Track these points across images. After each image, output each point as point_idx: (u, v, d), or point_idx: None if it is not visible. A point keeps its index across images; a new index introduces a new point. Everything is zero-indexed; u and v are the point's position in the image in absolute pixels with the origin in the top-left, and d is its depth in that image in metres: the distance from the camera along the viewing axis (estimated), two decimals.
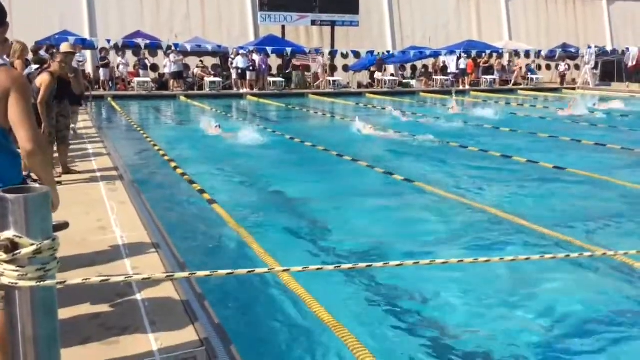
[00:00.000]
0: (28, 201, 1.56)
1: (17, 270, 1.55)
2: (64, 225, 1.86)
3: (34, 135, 2.67)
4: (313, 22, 28.92)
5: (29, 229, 1.56)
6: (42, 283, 1.55)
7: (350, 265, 1.95)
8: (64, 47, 8.25)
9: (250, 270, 1.78)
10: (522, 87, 30.08)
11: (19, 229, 1.55)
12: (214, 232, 6.47)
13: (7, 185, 2.48)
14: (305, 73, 27.46)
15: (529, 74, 31.35)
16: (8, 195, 1.56)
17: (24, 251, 1.55)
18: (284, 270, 1.77)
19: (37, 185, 1.70)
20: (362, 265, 1.87)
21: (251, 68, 24.88)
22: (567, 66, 31.97)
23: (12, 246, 1.54)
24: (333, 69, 28.61)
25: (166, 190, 8.50)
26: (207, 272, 1.75)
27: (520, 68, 30.77)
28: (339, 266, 1.88)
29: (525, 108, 20.65)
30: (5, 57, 2.86)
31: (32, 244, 1.55)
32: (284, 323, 4.40)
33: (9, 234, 1.55)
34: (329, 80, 27.01)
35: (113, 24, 27.23)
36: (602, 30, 37.99)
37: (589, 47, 30.63)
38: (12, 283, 1.55)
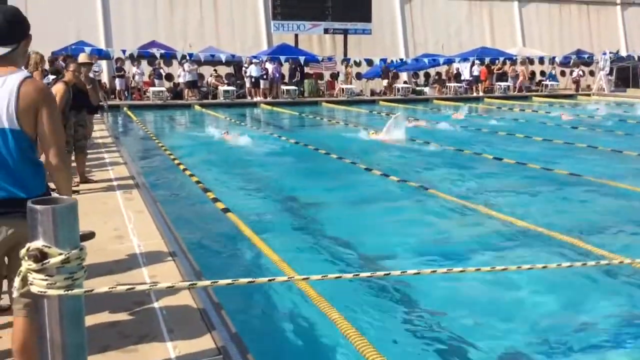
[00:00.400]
0: (56, 212, 1.60)
1: (46, 279, 1.59)
2: (90, 235, 1.90)
3: (61, 151, 2.79)
4: (326, 31, 29.05)
5: (57, 239, 1.61)
6: (70, 292, 1.59)
7: (368, 274, 1.97)
8: (81, 57, 8.41)
9: (270, 278, 1.81)
10: (536, 93, 29.93)
11: (47, 239, 1.60)
12: (229, 241, 6.50)
13: (31, 195, 2.55)
14: (318, 81, 27.57)
15: (549, 79, 31.18)
16: (37, 206, 1.60)
17: (52, 260, 1.59)
18: (304, 279, 1.80)
19: (65, 197, 1.74)
20: (380, 273, 1.89)
21: (264, 77, 25.03)
22: (581, 72, 31.78)
23: (41, 256, 1.59)
24: (346, 76, 28.67)
25: (182, 199, 8.56)
26: (229, 281, 1.78)
27: (525, 73, 30.53)
28: (358, 274, 1.90)
29: (540, 114, 20.55)
30: (23, 68, 2.94)
31: (61, 254, 1.59)
32: (300, 331, 4.41)
33: (39, 243, 1.60)
34: (342, 88, 27.09)
35: (128, 34, 27.54)
36: (617, 35, 37.75)
37: (604, 53, 30.43)
38: (41, 292, 1.60)
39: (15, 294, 1.70)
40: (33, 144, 2.74)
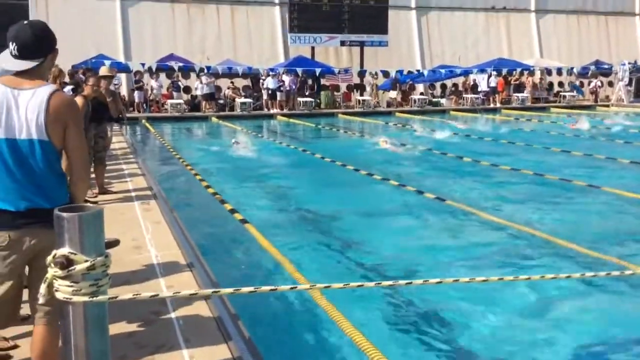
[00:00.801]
0: (83, 220, 1.63)
1: (71, 286, 1.61)
2: (115, 243, 1.93)
3: (85, 164, 2.89)
4: (342, 43, 29.17)
5: (83, 246, 1.63)
6: (94, 298, 1.60)
7: (390, 282, 1.97)
8: (103, 70, 8.54)
9: (292, 286, 1.81)
10: (554, 104, 29.73)
11: (73, 246, 1.62)
12: (247, 252, 6.52)
13: (55, 205, 2.59)
14: (335, 93, 27.66)
15: (574, 91, 30.96)
16: (64, 214, 1.63)
17: (78, 267, 1.61)
18: (325, 287, 1.80)
19: (91, 205, 1.77)
20: (402, 282, 1.88)
21: (281, 88, 25.18)
22: (600, 83, 31.52)
23: (67, 262, 1.61)
24: (362, 88, 28.75)
25: (199, 210, 8.61)
26: (251, 288, 1.79)
27: (532, 83, 30.33)
28: (380, 283, 1.90)
29: (558, 125, 20.40)
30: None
31: (86, 261, 1.62)
32: (316, 342, 4.40)
33: (65, 250, 1.62)
34: (358, 100, 27.13)
35: (147, 48, 27.91)
36: (635, 46, 37.42)
37: (623, 64, 30.18)
38: (67, 298, 1.62)
39: (41, 300, 1.72)
40: (59, 155, 2.80)
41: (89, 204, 1.86)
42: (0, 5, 25.84)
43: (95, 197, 7.92)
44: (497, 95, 28.98)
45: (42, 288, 1.67)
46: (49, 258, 1.65)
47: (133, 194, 8.23)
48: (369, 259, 6.30)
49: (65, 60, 14.67)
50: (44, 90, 2.70)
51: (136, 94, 24.32)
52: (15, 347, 3.49)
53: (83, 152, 2.85)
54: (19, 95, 2.68)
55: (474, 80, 29.83)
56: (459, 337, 4.45)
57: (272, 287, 1.77)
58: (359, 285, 1.79)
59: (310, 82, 27.70)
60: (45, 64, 2.80)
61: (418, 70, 30.04)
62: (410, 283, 1.91)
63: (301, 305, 4.95)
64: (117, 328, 3.73)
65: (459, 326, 4.62)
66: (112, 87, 9.17)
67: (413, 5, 33.31)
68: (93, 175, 8.19)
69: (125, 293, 4.14)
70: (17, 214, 2.70)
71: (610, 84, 32.68)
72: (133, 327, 3.81)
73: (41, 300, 1.71)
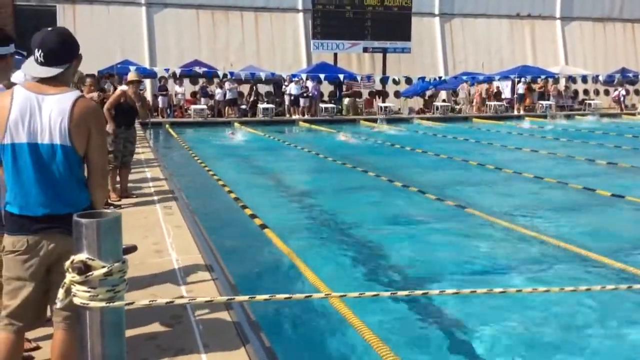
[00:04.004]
0: (101, 225, 1.65)
1: (88, 291, 1.63)
2: (132, 249, 1.95)
3: (106, 170, 2.95)
4: (365, 50, 29.16)
5: (100, 251, 1.65)
6: (111, 304, 1.62)
7: (406, 292, 1.96)
8: (130, 75, 8.68)
9: (307, 295, 1.81)
10: (579, 112, 29.34)
11: (91, 252, 1.64)
12: (266, 257, 6.54)
13: (75, 210, 2.62)
14: (357, 99, 27.65)
15: (622, 100, 30.58)
16: (82, 220, 1.65)
17: (95, 273, 1.63)
18: (340, 296, 1.80)
19: (109, 211, 1.79)
20: (419, 292, 1.87)
21: (304, 94, 25.25)
22: (626, 91, 31.03)
23: (85, 268, 1.63)
24: (385, 94, 28.69)
25: (220, 214, 8.67)
26: (266, 296, 1.79)
27: (559, 90, 30.00)
28: (395, 293, 1.89)
29: (582, 133, 20.12)
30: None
31: (104, 266, 1.64)
32: (334, 349, 4.39)
33: (83, 256, 1.64)
34: (380, 107, 27.09)
35: (172, 53, 28.25)
36: None
37: None
38: (84, 303, 1.64)
39: (58, 305, 1.75)
40: (81, 161, 2.83)
41: (107, 210, 1.88)
42: (28, 11, 26.41)
43: (119, 200, 8.02)
44: (520, 103, 28.70)
45: (60, 293, 1.70)
46: (67, 263, 1.67)
47: (155, 197, 8.32)
48: (388, 267, 6.28)
49: (91, 65, 14.91)
50: (69, 96, 2.74)
51: (160, 99, 24.60)
52: (37, 348, 3.55)
53: (103, 159, 2.89)
54: (43, 101, 2.72)
55: (498, 88, 29.58)
56: (475, 345, 4.40)
57: (287, 295, 1.77)
58: (374, 295, 1.78)
59: (332, 88, 27.73)
60: (70, 69, 2.85)
61: (440, 77, 29.88)
62: (427, 293, 1.90)
63: (320, 311, 4.95)
64: (138, 331, 3.78)
65: (473, 334, 4.58)
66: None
67: (436, 11, 33.21)
68: (118, 179, 8.32)
69: (145, 296, 4.21)
70: (36, 219, 2.74)
71: (637, 92, 32.15)
72: (154, 330, 3.85)
73: (59, 305, 1.73)
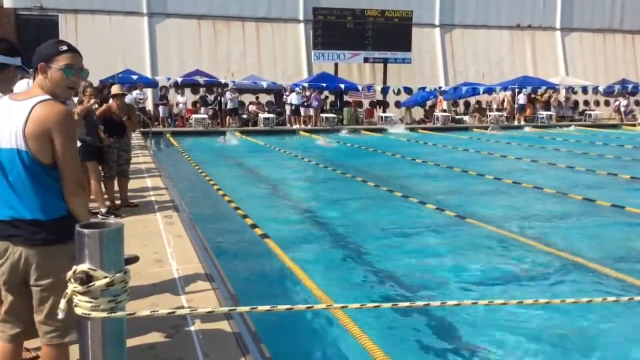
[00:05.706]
0: (103, 236, 1.65)
1: (90, 302, 1.63)
2: (134, 259, 1.95)
3: (75, 176, 2.76)
4: (365, 60, 29.28)
5: (102, 262, 1.65)
6: (113, 314, 1.62)
7: (407, 304, 1.96)
8: (114, 89, 8.59)
9: (309, 306, 1.81)
10: (579, 123, 29.39)
11: (93, 262, 1.64)
12: (267, 267, 6.53)
13: (48, 217, 2.64)
14: (357, 109, 27.71)
15: (624, 109, 30.63)
16: (85, 230, 1.65)
17: (97, 283, 1.63)
18: (342, 307, 1.79)
19: (112, 221, 1.79)
20: (420, 303, 1.87)
21: (305, 104, 25.32)
22: (627, 102, 31.09)
23: (87, 278, 1.63)
24: (385, 104, 28.76)
25: (220, 224, 8.66)
26: (267, 307, 1.79)
27: (559, 101, 30.07)
28: (396, 304, 1.89)
29: (583, 144, 20.15)
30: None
31: (106, 277, 1.64)
32: (334, 358, 4.38)
33: (85, 266, 1.64)
34: (380, 116, 27.14)
35: (173, 63, 28.35)
36: None
37: None
38: (85, 314, 1.64)
39: (60, 315, 1.75)
40: (49, 167, 2.71)
41: (110, 220, 1.88)
42: (30, 21, 26.53)
43: (118, 209, 8.01)
44: (521, 113, 28.78)
45: (62, 303, 1.70)
46: (69, 273, 1.67)
47: (156, 206, 8.31)
48: (388, 277, 6.26)
49: (92, 75, 14.94)
50: (32, 102, 2.70)
51: (161, 108, 24.65)
52: (36, 357, 3.54)
53: (72, 166, 2.73)
54: (11, 107, 2.73)
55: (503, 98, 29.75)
56: (475, 356, 4.39)
57: (289, 306, 1.77)
58: (375, 306, 1.78)
59: (332, 98, 27.81)
60: (37, 77, 2.81)
61: (440, 87, 29.96)
62: (428, 304, 1.90)
63: (321, 321, 4.93)
64: (137, 340, 3.76)
65: (473, 344, 4.56)
66: (134, 102, 9.26)
67: (437, 22, 33.36)
68: (115, 188, 8.32)
69: (145, 306, 4.20)
70: (3, 222, 2.71)
71: (638, 103, 32.21)
72: (153, 340, 3.84)
73: (60, 315, 1.73)
